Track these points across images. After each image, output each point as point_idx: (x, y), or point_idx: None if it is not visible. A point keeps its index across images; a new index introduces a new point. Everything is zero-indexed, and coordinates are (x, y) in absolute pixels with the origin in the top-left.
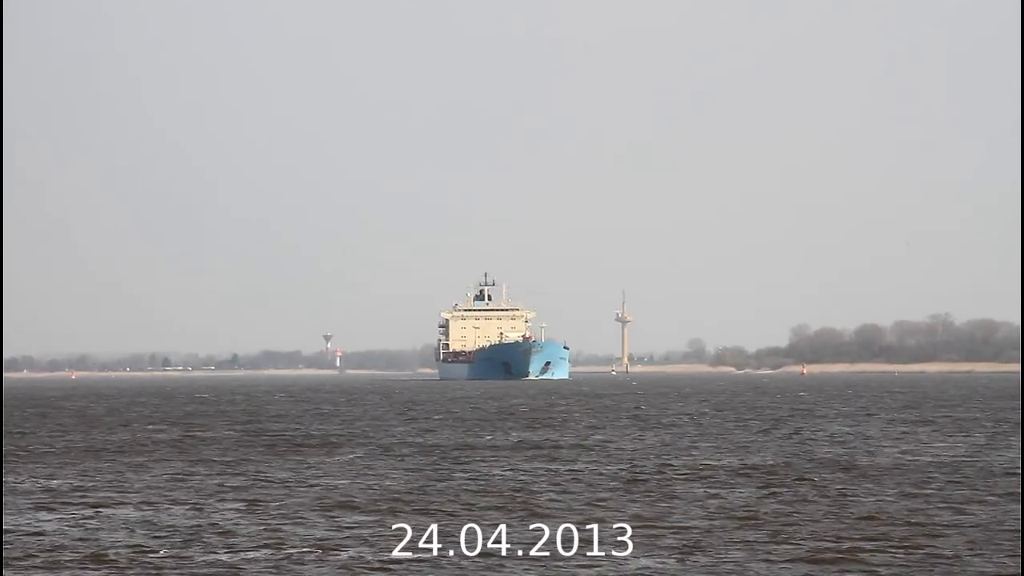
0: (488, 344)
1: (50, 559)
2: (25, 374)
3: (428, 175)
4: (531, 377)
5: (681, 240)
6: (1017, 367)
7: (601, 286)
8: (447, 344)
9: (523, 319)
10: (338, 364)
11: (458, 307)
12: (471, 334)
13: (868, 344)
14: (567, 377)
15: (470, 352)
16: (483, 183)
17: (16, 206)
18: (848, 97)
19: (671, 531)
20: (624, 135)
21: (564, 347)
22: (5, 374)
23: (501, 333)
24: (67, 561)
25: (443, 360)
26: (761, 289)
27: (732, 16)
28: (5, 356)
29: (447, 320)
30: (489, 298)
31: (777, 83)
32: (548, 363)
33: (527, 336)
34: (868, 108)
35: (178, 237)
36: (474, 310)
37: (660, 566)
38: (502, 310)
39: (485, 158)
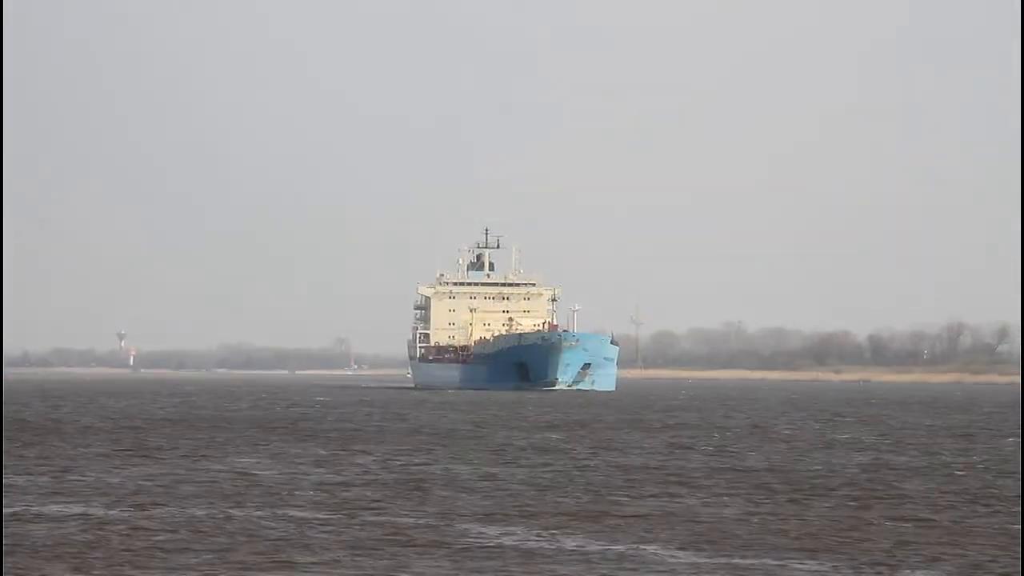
0: (491, 336)
1: None
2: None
3: (420, 168)
4: (560, 386)
5: (687, 244)
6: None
7: (610, 288)
8: (426, 334)
9: (545, 297)
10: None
11: (444, 278)
12: (463, 319)
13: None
14: (614, 388)
15: (463, 347)
16: (483, 183)
17: (17, 206)
18: (851, 97)
19: None
20: (624, 131)
21: (612, 342)
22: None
23: (511, 319)
24: None
25: (420, 358)
26: (771, 294)
27: (732, 16)
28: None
29: (427, 298)
30: (491, 267)
31: (778, 83)
32: (587, 365)
33: (552, 324)
34: (869, 108)
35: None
36: (468, 283)
37: None
38: (511, 285)
39: (485, 158)
